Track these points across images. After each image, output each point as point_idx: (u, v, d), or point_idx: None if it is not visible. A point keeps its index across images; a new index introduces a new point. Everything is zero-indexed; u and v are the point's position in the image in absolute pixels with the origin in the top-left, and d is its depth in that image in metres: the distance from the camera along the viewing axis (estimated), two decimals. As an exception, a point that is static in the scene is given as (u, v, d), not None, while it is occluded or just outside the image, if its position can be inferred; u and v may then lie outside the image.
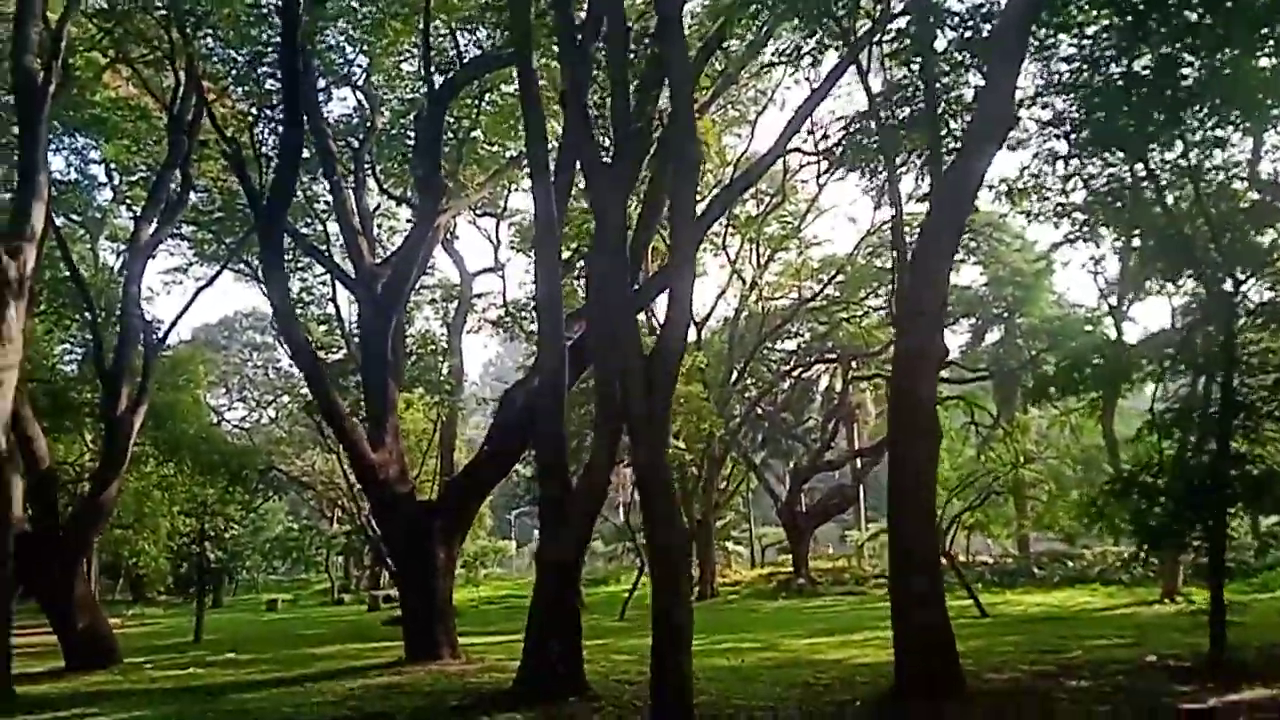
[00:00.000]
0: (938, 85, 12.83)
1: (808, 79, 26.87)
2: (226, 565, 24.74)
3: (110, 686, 15.60)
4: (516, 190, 31.88)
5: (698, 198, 12.15)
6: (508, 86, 23.40)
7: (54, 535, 17.91)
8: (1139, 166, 14.22)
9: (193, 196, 21.91)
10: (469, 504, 17.36)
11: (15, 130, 16.04)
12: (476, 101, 21.75)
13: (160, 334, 22.06)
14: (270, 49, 20.05)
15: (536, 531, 50.52)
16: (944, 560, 18.39)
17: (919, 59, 12.69)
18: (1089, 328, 29.51)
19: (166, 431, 26.48)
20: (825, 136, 25.36)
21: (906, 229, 14.89)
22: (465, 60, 19.77)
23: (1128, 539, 21.01)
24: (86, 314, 20.60)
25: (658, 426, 9.21)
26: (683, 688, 8.81)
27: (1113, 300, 24.79)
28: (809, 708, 10.46)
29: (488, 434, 17.92)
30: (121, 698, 14.13)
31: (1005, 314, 37.19)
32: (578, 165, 13.11)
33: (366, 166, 21.36)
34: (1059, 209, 16.40)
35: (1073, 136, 14.55)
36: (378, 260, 18.73)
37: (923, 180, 15.32)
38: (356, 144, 21.22)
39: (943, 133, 12.68)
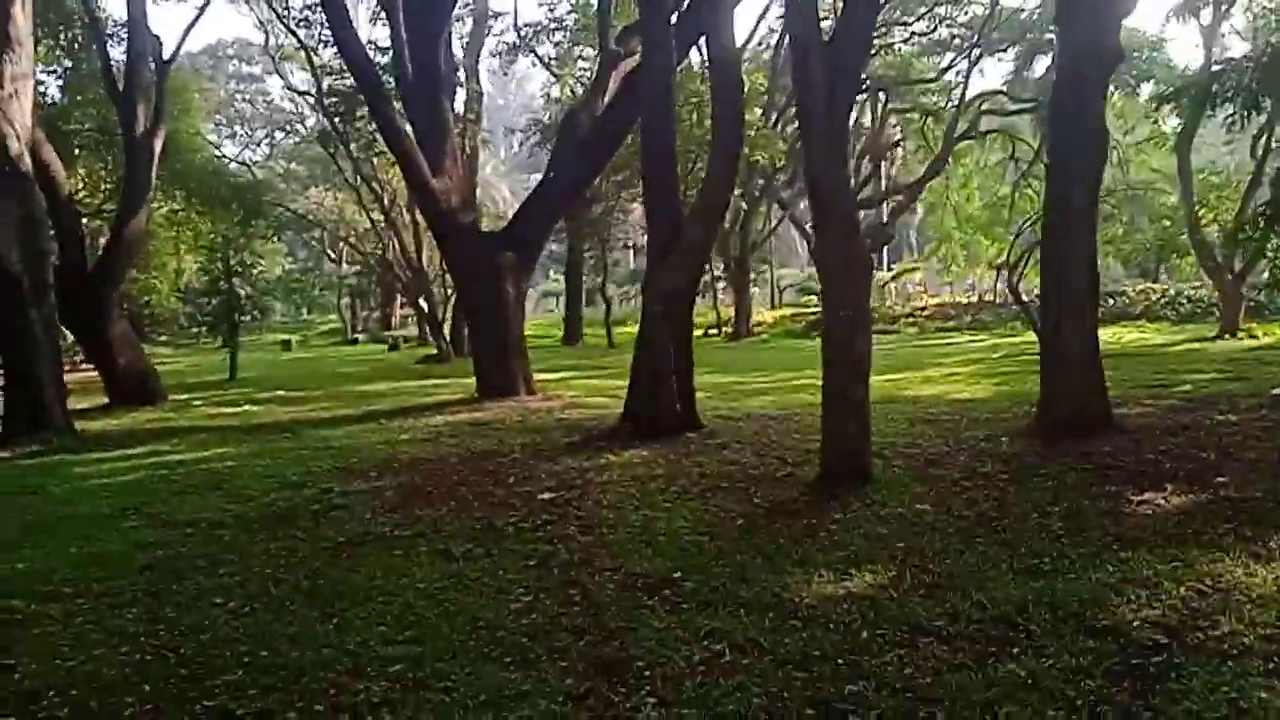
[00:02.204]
0: None
1: None
2: (258, 302, 23.65)
3: (168, 423, 14.84)
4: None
5: None
6: None
7: (83, 269, 16.64)
8: None
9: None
10: (540, 237, 16.01)
11: None
12: None
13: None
14: None
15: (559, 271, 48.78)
16: (1010, 295, 17.45)
17: None
18: (1154, 53, 27.61)
19: (170, 165, 24.66)
20: None
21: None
22: None
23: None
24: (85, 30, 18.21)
25: (839, 133, 7.73)
26: (866, 424, 7.91)
27: (1205, 19, 22.69)
28: (978, 446, 9.66)
29: (550, 160, 16.32)
30: (188, 434, 13.33)
31: (1054, 41, 34.51)
32: None
33: None
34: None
35: None
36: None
37: None
38: None
39: None
